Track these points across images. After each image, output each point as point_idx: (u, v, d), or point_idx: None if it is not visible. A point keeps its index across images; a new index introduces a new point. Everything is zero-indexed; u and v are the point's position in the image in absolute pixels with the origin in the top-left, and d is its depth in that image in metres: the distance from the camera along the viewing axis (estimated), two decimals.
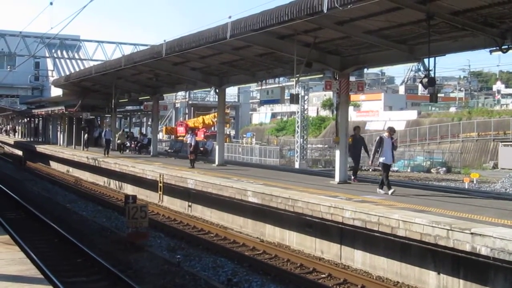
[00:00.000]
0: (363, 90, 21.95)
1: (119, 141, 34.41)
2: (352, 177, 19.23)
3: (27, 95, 64.24)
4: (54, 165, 43.30)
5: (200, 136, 42.69)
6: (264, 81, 26.02)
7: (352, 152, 18.87)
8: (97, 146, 42.74)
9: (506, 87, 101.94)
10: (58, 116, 46.70)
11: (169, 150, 37.99)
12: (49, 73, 59.68)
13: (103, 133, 36.10)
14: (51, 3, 24.26)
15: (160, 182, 23.10)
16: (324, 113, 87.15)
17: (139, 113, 45.54)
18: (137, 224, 15.27)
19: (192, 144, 25.61)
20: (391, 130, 16.08)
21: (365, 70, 58.75)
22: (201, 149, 30.43)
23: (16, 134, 71.70)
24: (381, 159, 15.61)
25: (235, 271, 13.25)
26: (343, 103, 18.94)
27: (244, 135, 76.84)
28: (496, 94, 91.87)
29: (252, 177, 20.71)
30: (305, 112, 46.43)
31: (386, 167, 15.79)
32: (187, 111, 72.52)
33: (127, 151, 37.41)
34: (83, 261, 13.55)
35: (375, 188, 16.35)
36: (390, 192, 15.51)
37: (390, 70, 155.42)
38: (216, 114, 38.64)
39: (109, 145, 33.47)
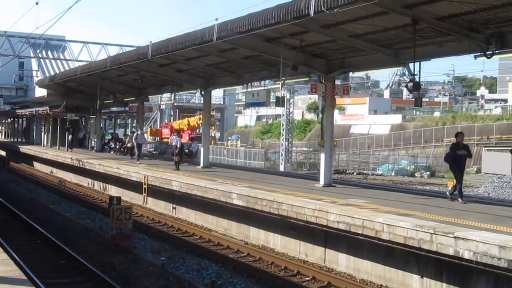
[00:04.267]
0: (348, 93, 22.03)
1: (129, 145, 33.33)
2: (460, 199, 14.96)
3: (11, 95, 63.78)
4: (37, 166, 42.96)
5: (185, 138, 42.54)
6: (250, 84, 26.05)
7: (453, 165, 14.93)
8: (82, 147, 42.52)
9: (490, 92, 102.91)
10: (42, 116, 46.39)
11: (154, 152, 37.87)
12: (34, 73, 59.22)
13: (133, 137, 30.86)
14: (36, 3, 24.12)
15: (145, 184, 23.00)
16: (310, 116, 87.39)
17: (124, 114, 45.36)
18: (122, 225, 15.20)
19: (177, 146, 25.53)
20: None
21: (351, 74, 58.61)
22: (186, 151, 30.33)
23: (0, 134, 71.06)
24: None
25: (219, 273, 13.23)
26: (329, 106, 19.04)
27: (229, 138, 76.80)
28: (480, 99, 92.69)
29: (237, 179, 20.70)
30: (291, 115, 46.56)
31: None
32: (172, 113, 72.36)
33: (112, 152, 37.19)
34: (67, 263, 13.46)
35: (360, 191, 16.30)
36: None
37: (375, 74, 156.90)
38: (201, 116, 38.49)
39: (140, 151, 30.21)
